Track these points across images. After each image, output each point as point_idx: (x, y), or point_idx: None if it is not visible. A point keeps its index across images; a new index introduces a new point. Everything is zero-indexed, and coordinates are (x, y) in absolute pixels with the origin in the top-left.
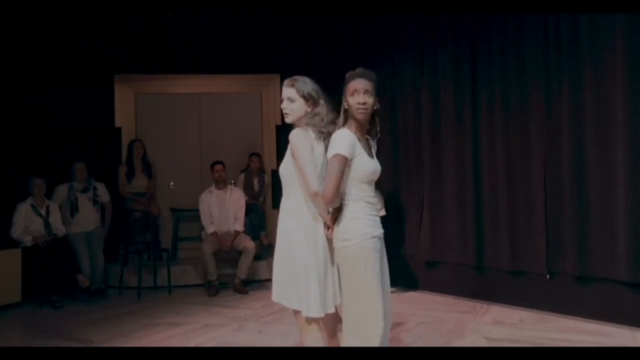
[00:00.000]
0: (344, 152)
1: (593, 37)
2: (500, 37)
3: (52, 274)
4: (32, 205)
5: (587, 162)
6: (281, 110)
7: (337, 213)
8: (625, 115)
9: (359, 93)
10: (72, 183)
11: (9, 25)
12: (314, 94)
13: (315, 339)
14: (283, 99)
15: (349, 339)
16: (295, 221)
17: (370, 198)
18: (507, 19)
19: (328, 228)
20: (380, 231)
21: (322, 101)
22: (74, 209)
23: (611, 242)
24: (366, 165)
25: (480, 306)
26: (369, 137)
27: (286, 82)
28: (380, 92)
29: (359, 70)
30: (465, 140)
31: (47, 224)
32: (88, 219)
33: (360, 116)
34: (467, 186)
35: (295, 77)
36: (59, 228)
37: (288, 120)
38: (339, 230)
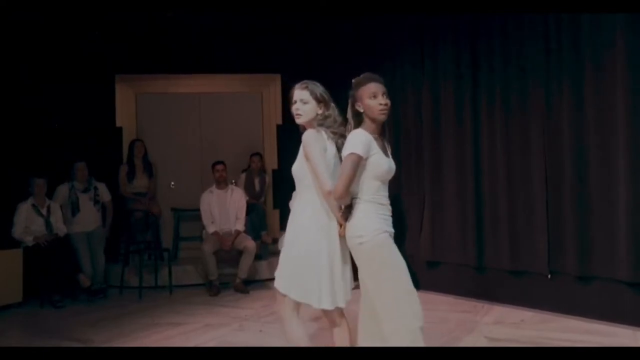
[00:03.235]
0: (359, 151)
1: (593, 37)
2: (500, 37)
3: (53, 274)
4: (33, 205)
5: (588, 162)
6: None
7: (347, 212)
8: (626, 115)
9: (379, 95)
10: (73, 183)
11: (9, 25)
12: (325, 96)
13: (296, 326)
14: (296, 101)
15: (389, 331)
16: (309, 217)
17: (383, 200)
18: (507, 19)
19: (340, 225)
20: (391, 230)
21: (332, 104)
22: (74, 208)
23: (612, 242)
24: (382, 164)
25: (481, 306)
26: (383, 137)
27: (298, 85)
28: None
29: (369, 74)
30: (465, 140)
31: (48, 224)
32: (89, 218)
33: (381, 117)
34: (467, 186)
35: (305, 80)
36: (60, 228)
37: (299, 121)
38: (352, 229)
